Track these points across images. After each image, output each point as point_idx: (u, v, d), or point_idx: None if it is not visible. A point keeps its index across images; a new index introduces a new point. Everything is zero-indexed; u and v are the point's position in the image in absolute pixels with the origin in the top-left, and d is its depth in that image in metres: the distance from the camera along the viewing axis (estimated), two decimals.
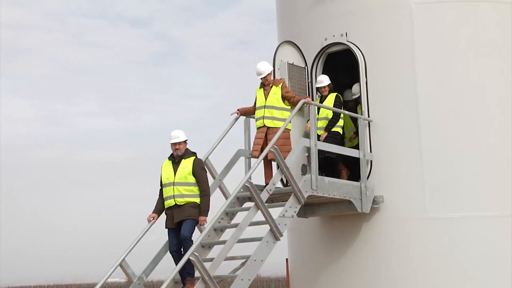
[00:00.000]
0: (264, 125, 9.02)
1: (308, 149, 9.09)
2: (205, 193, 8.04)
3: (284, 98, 9.08)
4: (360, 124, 9.63)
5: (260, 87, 9.30)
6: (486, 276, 9.45)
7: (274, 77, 9.73)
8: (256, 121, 9.28)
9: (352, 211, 9.28)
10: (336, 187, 9.01)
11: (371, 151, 9.51)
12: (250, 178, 8.38)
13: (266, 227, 8.18)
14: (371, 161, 9.52)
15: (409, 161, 9.61)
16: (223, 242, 8.29)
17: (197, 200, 7.86)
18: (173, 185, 7.75)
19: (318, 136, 9.61)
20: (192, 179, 7.86)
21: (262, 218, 8.08)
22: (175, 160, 8.01)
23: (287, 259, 12.37)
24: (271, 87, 9.17)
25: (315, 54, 10.25)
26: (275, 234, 8.04)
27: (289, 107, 9.05)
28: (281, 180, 9.36)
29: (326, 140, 9.70)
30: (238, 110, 9.52)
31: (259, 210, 7.96)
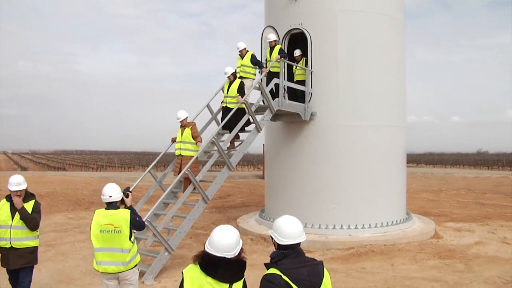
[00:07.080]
0: (180, 154, 9.98)
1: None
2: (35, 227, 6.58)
3: (192, 135, 9.95)
4: (306, 72, 11.60)
5: (180, 127, 10.10)
6: (375, 161, 11.69)
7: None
8: (175, 150, 10.11)
9: (300, 119, 11.44)
10: (292, 106, 11.14)
11: (311, 87, 11.74)
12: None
13: (253, 125, 10.36)
14: (311, 93, 11.72)
15: (331, 93, 11.71)
16: (230, 131, 10.06)
17: (34, 243, 6.63)
18: (10, 228, 6.40)
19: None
20: None
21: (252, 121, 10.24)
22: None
23: (263, 144, 14.59)
24: (185, 128, 9.98)
25: (284, 34, 12.26)
26: (258, 129, 10.24)
27: (196, 141, 9.89)
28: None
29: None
30: (172, 138, 10.26)
31: (250, 116, 10.02)
